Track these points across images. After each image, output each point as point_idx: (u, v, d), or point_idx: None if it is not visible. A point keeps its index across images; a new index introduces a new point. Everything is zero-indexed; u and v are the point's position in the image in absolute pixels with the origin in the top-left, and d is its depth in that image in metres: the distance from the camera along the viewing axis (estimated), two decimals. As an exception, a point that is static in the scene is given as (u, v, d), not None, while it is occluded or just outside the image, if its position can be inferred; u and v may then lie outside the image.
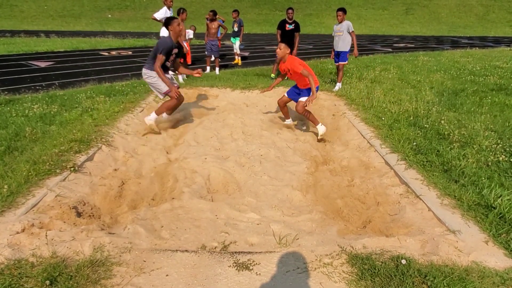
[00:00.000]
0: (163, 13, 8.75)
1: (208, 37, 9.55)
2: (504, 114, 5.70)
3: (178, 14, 8.06)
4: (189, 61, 8.20)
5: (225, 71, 9.89)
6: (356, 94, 7.00)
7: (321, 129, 5.17)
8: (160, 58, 4.80)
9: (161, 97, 5.27)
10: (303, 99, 5.18)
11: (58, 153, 3.94)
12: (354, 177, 4.05)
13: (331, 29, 7.91)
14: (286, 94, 5.66)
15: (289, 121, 5.85)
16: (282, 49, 5.14)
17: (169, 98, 5.19)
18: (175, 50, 5.07)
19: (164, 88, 5.04)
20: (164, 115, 5.37)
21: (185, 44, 7.97)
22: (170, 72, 5.41)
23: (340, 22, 7.36)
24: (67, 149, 4.06)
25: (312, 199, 3.72)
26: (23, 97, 6.47)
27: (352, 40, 7.37)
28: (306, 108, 5.16)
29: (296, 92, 5.46)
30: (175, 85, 5.24)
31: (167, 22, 4.92)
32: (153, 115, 5.09)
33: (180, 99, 5.23)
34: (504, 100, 6.54)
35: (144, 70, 5.05)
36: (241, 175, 4.04)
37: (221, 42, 11.88)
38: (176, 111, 5.65)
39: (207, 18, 9.75)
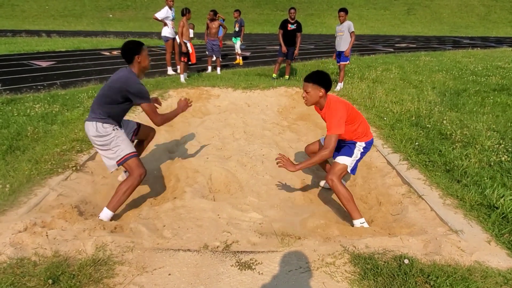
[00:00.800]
0: (164, 12, 8.77)
1: (209, 37, 9.55)
2: (506, 114, 5.69)
3: (183, 15, 8.08)
4: (193, 60, 8.16)
5: (227, 71, 9.89)
6: (358, 94, 6.99)
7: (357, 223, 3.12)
8: (152, 107, 3.23)
9: (111, 169, 3.24)
10: (342, 159, 3.22)
11: (60, 152, 3.94)
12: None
13: (333, 29, 7.93)
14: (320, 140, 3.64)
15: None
16: (310, 92, 3.06)
17: (125, 172, 3.61)
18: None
19: (125, 151, 3.14)
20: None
21: (188, 44, 7.97)
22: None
23: (342, 23, 7.36)
24: (69, 149, 4.07)
25: (314, 199, 3.72)
26: (25, 97, 6.47)
27: (350, 39, 7.38)
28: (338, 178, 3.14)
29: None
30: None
31: (135, 51, 3.07)
32: (106, 212, 3.07)
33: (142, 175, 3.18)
34: (506, 100, 6.53)
35: (96, 124, 3.07)
36: (243, 174, 4.04)
37: (223, 42, 11.87)
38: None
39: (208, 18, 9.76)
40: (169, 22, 8.83)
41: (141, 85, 3.07)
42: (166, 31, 8.92)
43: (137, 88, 3.03)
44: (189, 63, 8.09)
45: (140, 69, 3.15)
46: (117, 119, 3.22)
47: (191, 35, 10.30)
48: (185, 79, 8.12)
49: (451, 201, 3.17)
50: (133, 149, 3.24)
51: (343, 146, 3.32)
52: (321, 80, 3.02)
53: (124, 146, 3.14)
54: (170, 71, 9.46)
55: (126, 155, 3.13)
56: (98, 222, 2.84)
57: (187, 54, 7.99)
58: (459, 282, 2.20)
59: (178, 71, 9.21)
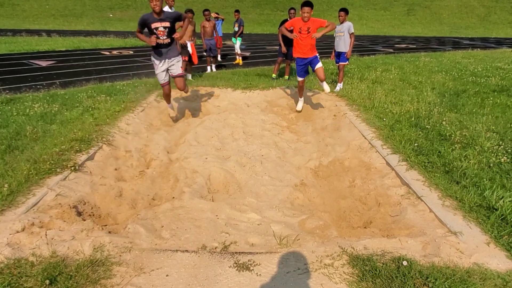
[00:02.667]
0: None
1: (205, 37, 9.55)
2: (506, 115, 5.68)
3: None
4: (195, 61, 8.11)
5: (226, 71, 9.89)
6: (357, 94, 6.99)
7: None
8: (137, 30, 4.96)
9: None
10: (319, 64, 5.79)
11: (58, 152, 3.93)
12: (355, 177, 4.03)
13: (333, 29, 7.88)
14: (300, 78, 6.08)
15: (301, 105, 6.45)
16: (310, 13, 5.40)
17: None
18: (156, 24, 4.85)
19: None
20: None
21: (189, 45, 7.94)
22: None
23: (342, 23, 7.34)
24: (68, 148, 4.06)
25: (312, 199, 3.71)
26: (24, 96, 6.46)
27: (350, 41, 7.36)
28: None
29: (303, 67, 5.96)
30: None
31: None
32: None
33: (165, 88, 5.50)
34: (506, 101, 6.52)
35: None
36: (242, 175, 4.04)
37: (222, 42, 11.88)
38: (177, 110, 5.75)
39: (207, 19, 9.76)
40: None
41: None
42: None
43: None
44: (190, 62, 8.06)
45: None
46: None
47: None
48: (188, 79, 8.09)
49: (450, 203, 3.16)
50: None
51: (312, 60, 5.85)
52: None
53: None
54: None
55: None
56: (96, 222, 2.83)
57: (188, 54, 7.97)
58: (458, 284, 2.19)
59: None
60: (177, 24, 5.14)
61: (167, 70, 5.30)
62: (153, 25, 4.85)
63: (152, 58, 5.23)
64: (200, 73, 9.49)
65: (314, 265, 2.40)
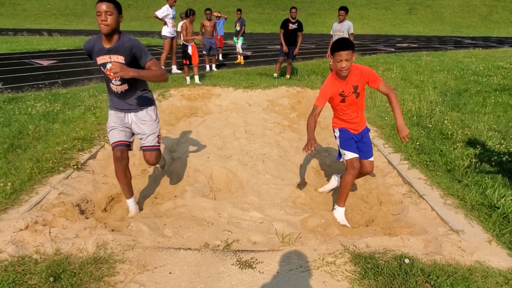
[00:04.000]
0: (164, 11, 8.73)
1: (205, 35, 9.54)
2: (508, 114, 5.68)
3: (187, 16, 7.92)
4: (194, 63, 8.06)
5: (228, 70, 9.89)
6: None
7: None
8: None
9: None
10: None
11: (61, 151, 3.95)
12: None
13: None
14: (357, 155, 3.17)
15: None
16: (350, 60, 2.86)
17: None
18: (103, 58, 2.81)
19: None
20: None
21: (189, 46, 7.94)
22: None
23: (341, 22, 7.32)
24: (70, 147, 4.07)
25: (314, 198, 3.72)
26: (26, 95, 6.48)
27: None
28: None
29: (358, 144, 3.25)
30: None
31: None
32: None
33: None
34: (508, 100, 6.52)
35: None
36: (243, 174, 4.05)
37: (223, 42, 11.89)
38: (179, 110, 5.62)
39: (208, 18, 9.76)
40: (169, 21, 8.82)
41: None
42: (166, 30, 8.92)
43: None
44: (191, 65, 8.04)
45: None
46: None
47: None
48: (190, 81, 8.04)
49: (452, 201, 3.16)
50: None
51: (364, 137, 3.30)
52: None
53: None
54: (174, 69, 9.46)
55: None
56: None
57: (188, 56, 7.94)
58: (460, 282, 2.20)
59: (173, 70, 9.21)
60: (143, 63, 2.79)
61: (131, 130, 3.14)
62: (99, 60, 2.85)
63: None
64: (200, 73, 9.50)
65: (316, 263, 2.41)
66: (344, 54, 2.80)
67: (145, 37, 18.74)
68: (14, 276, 2.17)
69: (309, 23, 32.10)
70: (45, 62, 10.90)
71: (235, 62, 11.92)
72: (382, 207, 3.41)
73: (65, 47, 14.25)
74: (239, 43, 11.55)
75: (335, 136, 3.33)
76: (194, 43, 8.03)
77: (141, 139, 3.17)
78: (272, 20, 33.87)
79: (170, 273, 2.30)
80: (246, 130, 5.35)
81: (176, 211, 3.16)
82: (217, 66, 9.93)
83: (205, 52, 9.75)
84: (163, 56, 9.29)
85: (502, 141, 4.43)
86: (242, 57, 11.95)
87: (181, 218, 3.03)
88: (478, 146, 4.26)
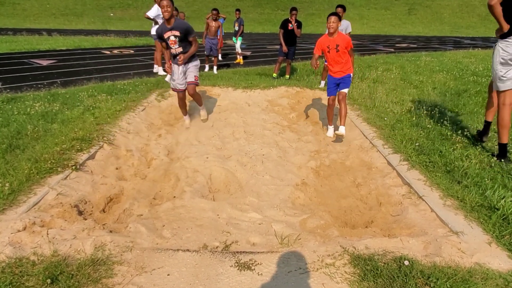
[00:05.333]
0: (155, 11, 8.63)
1: (208, 36, 9.53)
2: (507, 115, 5.66)
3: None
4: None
5: (227, 71, 9.88)
6: (358, 94, 6.98)
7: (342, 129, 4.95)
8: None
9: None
10: (346, 90, 5.00)
11: (59, 151, 3.94)
12: (356, 177, 4.03)
13: None
14: (330, 95, 5.15)
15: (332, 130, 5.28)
16: (336, 23, 4.73)
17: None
18: (168, 33, 4.90)
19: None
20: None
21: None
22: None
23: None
24: (69, 148, 4.06)
25: (314, 199, 3.71)
26: (25, 95, 6.47)
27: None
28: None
29: (334, 85, 5.09)
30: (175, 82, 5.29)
31: None
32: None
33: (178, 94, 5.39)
34: (507, 101, 6.50)
35: None
36: (242, 174, 4.03)
37: (223, 42, 11.88)
38: (179, 110, 5.71)
39: (209, 18, 9.73)
40: (160, 21, 8.77)
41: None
42: (155, 29, 8.86)
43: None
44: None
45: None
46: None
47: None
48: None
49: (451, 202, 3.15)
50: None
51: (343, 80, 5.01)
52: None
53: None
54: (160, 71, 9.24)
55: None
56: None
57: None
58: (460, 284, 2.19)
59: (159, 72, 9.15)
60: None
61: (184, 74, 5.24)
62: (165, 35, 4.92)
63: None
64: (200, 72, 9.48)
65: (315, 264, 2.40)
66: (333, 18, 4.73)
67: (145, 36, 18.71)
68: (11, 278, 2.15)
69: (309, 23, 32.09)
70: (44, 62, 10.88)
71: (235, 62, 11.91)
72: (382, 208, 3.40)
73: (65, 47, 14.22)
74: (238, 43, 11.54)
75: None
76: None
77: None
78: (271, 20, 33.86)
79: (168, 274, 2.29)
80: (245, 131, 5.33)
81: (174, 212, 3.15)
82: (212, 67, 9.89)
83: (206, 53, 9.75)
84: (157, 56, 9.21)
85: (502, 142, 4.41)
86: (241, 57, 11.94)
87: (179, 219, 3.02)
88: (477, 147, 4.26)
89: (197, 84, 5.30)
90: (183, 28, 4.91)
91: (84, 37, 18.12)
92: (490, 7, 3.59)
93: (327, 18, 4.78)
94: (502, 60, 3.78)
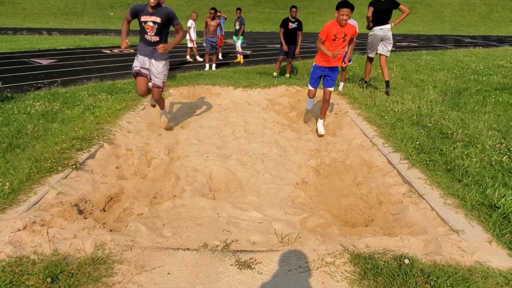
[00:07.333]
0: None
1: (208, 34, 9.54)
2: (508, 113, 5.66)
3: None
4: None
5: (227, 69, 9.87)
6: (359, 93, 6.97)
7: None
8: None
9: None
10: (332, 88, 5.13)
11: (59, 150, 3.94)
12: (356, 176, 4.03)
13: None
14: (313, 87, 5.22)
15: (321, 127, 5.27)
16: (348, 15, 4.65)
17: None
18: (146, 17, 4.37)
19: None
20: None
21: (191, 45, 7.93)
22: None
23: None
24: (69, 147, 4.06)
25: (314, 198, 3.71)
26: (25, 95, 6.47)
27: (352, 43, 7.27)
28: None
29: (319, 78, 5.12)
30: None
31: None
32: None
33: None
34: (508, 99, 6.50)
35: None
36: (243, 173, 4.03)
37: (224, 41, 11.88)
38: (179, 109, 5.66)
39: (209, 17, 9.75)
40: None
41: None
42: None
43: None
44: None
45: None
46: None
47: (192, 25, 10.26)
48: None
49: (452, 201, 3.15)
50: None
51: (332, 70, 5.06)
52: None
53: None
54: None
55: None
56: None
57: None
58: (460, 283, 2.19)
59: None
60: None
61: (149, 71, 4.78)
62: (143, 18, 4.42)
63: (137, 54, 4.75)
64: (200, 72, 9.48)
65: (316, 263, 2.40)
66: (346, 10, 4.58)
67: (145, 36, 18.67)
68: (11, 277, 2.15)
69: (309, 22, 32.03)
70: (44, 61, 10.88)
71: (235, 61, 11.90)
72: (382, 206, 3.40)
73: (65, 46, 14.22)
74: (238, 42, 11.53)
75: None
76: (194, 42, 8.05)
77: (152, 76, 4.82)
78: (271, 19, 33.82)
79: (168, 273, 2.29)
80: (245, 130, 5.33)
81: (175, 211, 3.15)
82: (217, 66, 9.91)
83: (207, 50, 9.77)
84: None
85: (502, 140, 4.41)
86: (241, 56, 11.93)
87: (180, 218, 3.02)
88: (478, 146, 4.25)
89: (162, 89, 4.94)
90: (165, 13, 4.40)
91: (84, 36, 18.12)
92: None
93: (338, 8, 4.60)
94: None
